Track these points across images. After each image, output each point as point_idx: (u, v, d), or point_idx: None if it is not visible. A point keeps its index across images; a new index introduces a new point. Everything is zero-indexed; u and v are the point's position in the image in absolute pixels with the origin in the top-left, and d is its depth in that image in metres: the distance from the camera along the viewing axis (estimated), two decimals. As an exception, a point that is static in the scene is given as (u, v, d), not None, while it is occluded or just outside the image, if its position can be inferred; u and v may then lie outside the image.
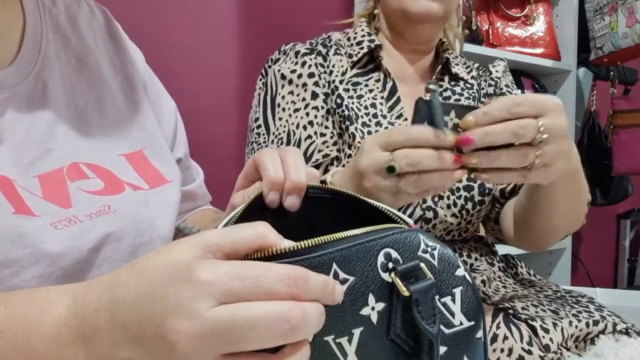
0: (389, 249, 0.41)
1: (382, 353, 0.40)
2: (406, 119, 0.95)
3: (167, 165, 0.71)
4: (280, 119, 0.95)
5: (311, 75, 0.95)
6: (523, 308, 0.78)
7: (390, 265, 0.40)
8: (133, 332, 0.35)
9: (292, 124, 0.94)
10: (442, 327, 0.42)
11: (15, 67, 0.61)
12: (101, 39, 0.73)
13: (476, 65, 1.11)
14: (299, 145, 0.92)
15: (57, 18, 0.68)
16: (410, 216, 0.89)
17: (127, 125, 0.70)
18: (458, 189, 0.91)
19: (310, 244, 0.38)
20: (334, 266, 0.38)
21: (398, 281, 0.39)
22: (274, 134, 0.95)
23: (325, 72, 0.96)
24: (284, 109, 0.95)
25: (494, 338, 0.73)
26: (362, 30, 1.02)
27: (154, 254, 0.38)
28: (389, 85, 0.98)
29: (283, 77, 0.97)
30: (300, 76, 0.96)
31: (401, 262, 0.41)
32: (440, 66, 1.03)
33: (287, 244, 0.38)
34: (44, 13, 0.67)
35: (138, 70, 0.76)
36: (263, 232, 0.37)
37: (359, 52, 0.98)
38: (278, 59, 1.00)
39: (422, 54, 1.03)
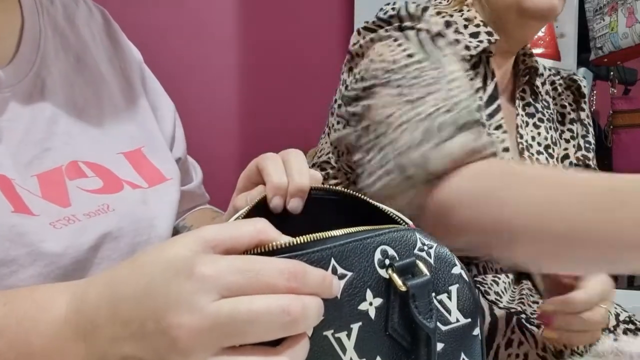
0: (385, 247, 0.41)
1: (380, 348, 0.40)
2: (505, 132, 0.81)
3: (166, 164, 0.72)
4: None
5: (451, 44, 0.78)
6: (532, 313, 0.78)
7: (387, 261, 0.40)
8: (134, 327, 0.36)
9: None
10: (438, 324, 0.42)
11: (13, 66, 0.61)
12: (99, 38, 0.74)
13: (548, 72, 0.98)
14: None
15: (55, 17, 0.69)
16: None
17: (126, 124, 0.70)
18: None
19: (308, 239, 0.39)
20: (333, 261, 0.39)
21: (395, 277, 0.40)
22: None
23: None
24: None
25: (509, 343, 0.72)
26: (476, 18, 0.84)
27: (154, 250, 0.38)
28: (490, 87, 0.83)
29: (439, 34, 0.77)
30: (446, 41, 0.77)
31: (398, 259, 0.41)
32: (527, 76, 0.92)
33: (286, 239, 0.38)
34: (42, 12, 0.67)
35: (136, 70, 0.77)
36: (262, 228, 0.38)
37: (477, 46, 0.81)
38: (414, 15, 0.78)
39: (510, 57, 0.91)
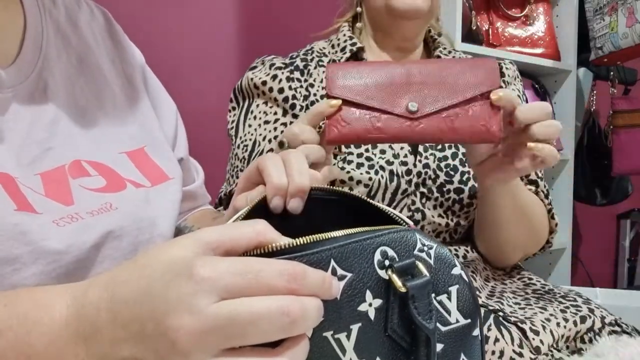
0: (385, 247, 0.41)
1: (380, 349, 0.40)
2: None
3: (168, 163, 0.72)
4: (249, 125, 0.96)
5: (281, 90, 0.95)
6: (512, 311, 0.78)
7: (387, 262, 0.40)
8: (134, 329, 0.36)
9: (260, 134, 0.94)
10: (438, 324, 0.42)
11: (16, 66, 0.61)
12: (101, 39, 0.74)
13: None
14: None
15: (57, 18, 0.69)
16: None
17: (128, 124, 0.71)
18: (449, 191, 0.90)
19: (308, 241, 0.39)
20: (332, 263, 0.39)
21: (395, 278, 0.40)
22: (240, 138, 0.96)
23: (301, 86, 0.95)
24: (255, 117, 0.97)
25: (485, 340, 0.73)
26: (344, 35, 1.01)
27: (154, 251, 0.38)
28: None
29: (256, 86, 0.97)
30: (271, 90, 0.95)
31: (397, 260, 0.41)
32: None
33: (285, 240, 0.38)
34: (45, 13, 0.67)
35: (138, 71, 0.77)
36: (262, 229, 0.38)
37: (342, 58, 0.98)
38: (255, 67, 1.00)
39: (408, 51, 1.02)
